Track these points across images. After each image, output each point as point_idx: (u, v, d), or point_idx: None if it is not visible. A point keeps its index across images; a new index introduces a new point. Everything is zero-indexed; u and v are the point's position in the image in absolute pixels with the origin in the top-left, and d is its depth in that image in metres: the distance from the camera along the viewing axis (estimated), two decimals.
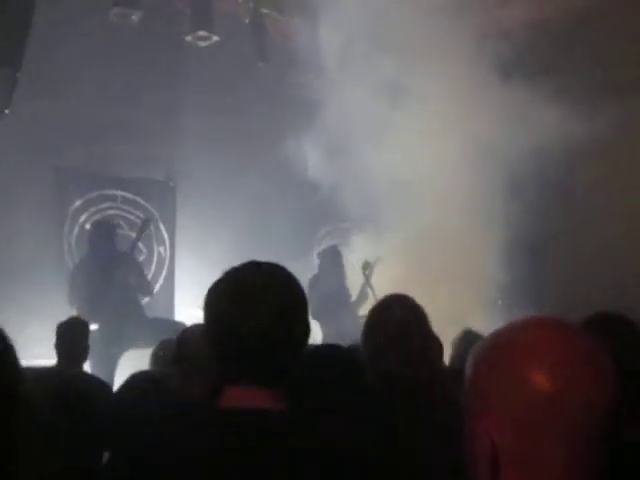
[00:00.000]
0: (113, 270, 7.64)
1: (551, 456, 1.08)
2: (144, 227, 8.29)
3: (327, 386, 2.34)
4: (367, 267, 8.79)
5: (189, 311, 7.93)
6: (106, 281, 7.50)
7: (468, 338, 4.38)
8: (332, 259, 8.93)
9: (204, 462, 1.55)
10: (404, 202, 8.59)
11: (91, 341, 5.16)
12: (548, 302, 8.34)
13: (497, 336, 1.17)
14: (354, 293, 8.92)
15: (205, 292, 1.78)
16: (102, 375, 6.45)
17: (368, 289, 8.78)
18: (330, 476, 1.55)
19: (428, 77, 8.36)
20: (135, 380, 3.84)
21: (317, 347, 2.60)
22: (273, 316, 1.66)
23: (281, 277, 1.76)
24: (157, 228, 9.42)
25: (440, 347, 3.50)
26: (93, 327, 7.21)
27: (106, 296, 7.44)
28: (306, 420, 1.70)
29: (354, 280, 8.92)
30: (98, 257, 7.74)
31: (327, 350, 2.57)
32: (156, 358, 4.47)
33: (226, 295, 1.71)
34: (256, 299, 1.67)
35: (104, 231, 8.03)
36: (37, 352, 6.27)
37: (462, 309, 7.59)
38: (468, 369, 1.18)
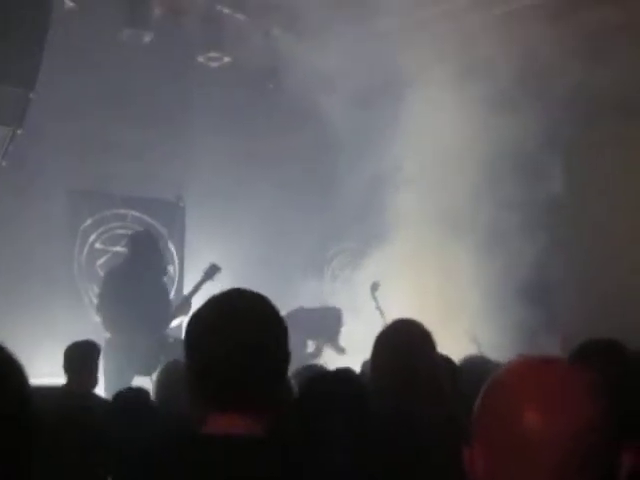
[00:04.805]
0: (147, 286, 7.27)
1: None
2: (210, 273, 7.60)
3: (329, 412, 2.33)
4: (376, 288, 8.73)
5: None
6: (138, 296, 7.09)
7: (473, 362, 4.34)
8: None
9: None
10: (414, 223, 8.60)
11: (109, 359, 5.16)
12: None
13: (497, 374, 1.22)
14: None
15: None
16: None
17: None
18: None
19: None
20: (123, 401, 3.83)
21: (325, 373, 2.59)
22: (247, 343, 1.69)
23: (258, 305, 1.78)
24: (166, 247, 9.44)
25: (450, 368, 3.46)
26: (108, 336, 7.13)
27: (135, 313, 7.01)
28: (272, 448, 1.70)
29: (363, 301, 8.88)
30: (135, 268, 7.37)
31: (335, 376, 2.56)
32: (160, 382, 4.45)
33: (203, 321, 1.76)
34: (231, 326, 1.70)
35: (148, 243, 7.64)
36: (48, 370, 6.28)
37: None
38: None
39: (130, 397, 3.84)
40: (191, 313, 1.82)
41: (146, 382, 5.86)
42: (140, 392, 3.99)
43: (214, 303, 1.79)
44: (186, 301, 7.55)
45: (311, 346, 8.87)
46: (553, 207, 8.68)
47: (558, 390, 1.12)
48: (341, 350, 8.63)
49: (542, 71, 8.08)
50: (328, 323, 8.84)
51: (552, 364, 1.18)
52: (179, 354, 4.73)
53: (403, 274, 8.69)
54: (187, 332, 1.77)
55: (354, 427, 2.32)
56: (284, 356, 1.77)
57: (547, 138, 8.19)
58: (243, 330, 1.71)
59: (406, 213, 8.64)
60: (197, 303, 7.30)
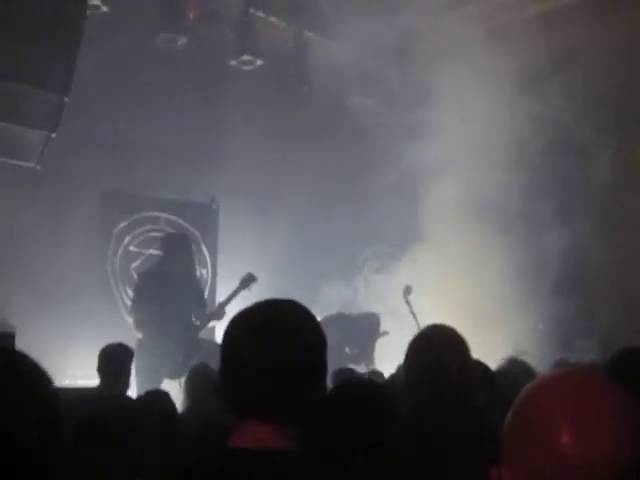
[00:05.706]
0: (179, 289, 7.24)
1: None
2: (246, 282, 7.50)
3: (356, 424, 2.30)
4: (409, 292, 8.60)
5: None
6: (170, 299, 7.07)
7: (512, 366, 4.28)
8: None
9: None
10: (448, 230, 8.55)
11: (140, 361, 5.16)
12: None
13: (529, 389, 1.14)
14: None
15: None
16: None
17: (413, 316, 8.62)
18: None
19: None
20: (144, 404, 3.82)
21: (348, 382, 2.55)
22: (283, 353, 1.65)
23: (297, 315, 1.74)
24: (199, 250, 9.48)
25: (487, 375, 3.39)
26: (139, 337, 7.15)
27: (167, 315, 7.02)
28: (302, 463, 1.66)
29: (396, 304, 8.82)
30: (168, 271, 7.37)
31: (361, 385, 2.52)
32: (189, 385, 4.46)
33: (238, 331, 1.72)
34: (266, 336, 1.66)
35: (182, 245, 7.66)
36: (83, 373, 6.34)
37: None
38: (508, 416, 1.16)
39: (150, 400, 3.83)
40: (228, 321, 1.77)
41: (175, 385, 5.88)
42: (160, 395, 3.98)
43: (251, 313, 1.75)
44: (221, 308, 7.53)
45: (348, 352, 8.81)
46: (592, 196, 8.56)
47: (598, 411, 1.05)
48: (372, 364, 8.53)
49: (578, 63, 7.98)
50: (365, 330, 8.78)
51: (591, 381, 1.10)
52: (209, 358, 4.75)
53: (435, 276, 8.63)
54: (223, 341, 1.73)
55: (376, 437, 2.28)
56: (321, 368, 1.72)
57: (593, 126, 8.06)
58: (280, 342, 1.66)
59: (437, 213, 8.59)
60: (231, 311, 7.35)
